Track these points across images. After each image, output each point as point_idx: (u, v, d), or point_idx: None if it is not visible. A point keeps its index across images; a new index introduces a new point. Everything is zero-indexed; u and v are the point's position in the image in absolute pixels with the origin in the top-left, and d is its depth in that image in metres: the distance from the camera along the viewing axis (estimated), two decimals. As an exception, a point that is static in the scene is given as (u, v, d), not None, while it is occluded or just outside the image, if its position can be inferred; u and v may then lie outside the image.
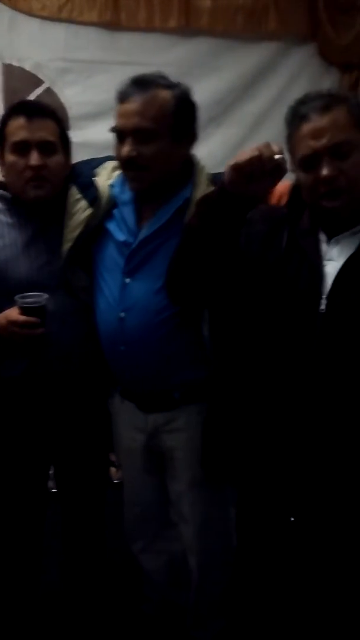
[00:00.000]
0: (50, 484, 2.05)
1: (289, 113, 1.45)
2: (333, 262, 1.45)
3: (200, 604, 1.99)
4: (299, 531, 1.52)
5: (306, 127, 1.39)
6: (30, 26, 3.31)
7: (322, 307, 1.43)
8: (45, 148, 1.75)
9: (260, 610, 1.67)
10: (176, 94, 1.68)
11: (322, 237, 1.48)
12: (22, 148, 1.74)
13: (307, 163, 1.40)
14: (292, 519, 1.50)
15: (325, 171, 1.37)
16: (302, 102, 1.43)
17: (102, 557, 2.09)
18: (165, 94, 1.66)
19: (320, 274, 1.45)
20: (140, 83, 1.66)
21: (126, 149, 1.65)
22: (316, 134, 1.37)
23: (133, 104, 1.64)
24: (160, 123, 1.64)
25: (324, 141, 1.36)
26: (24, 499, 1.92)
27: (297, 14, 3.63)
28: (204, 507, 1.87)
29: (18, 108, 1.79)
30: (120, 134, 1.68)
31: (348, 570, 1.50)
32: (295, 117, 1.42)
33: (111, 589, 2.20)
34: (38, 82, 3.40)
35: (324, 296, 1.43)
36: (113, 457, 2.14)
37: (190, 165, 1.78)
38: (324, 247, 1.47)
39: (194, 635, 2.04)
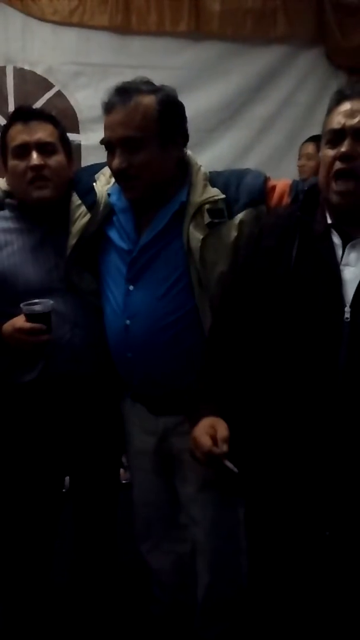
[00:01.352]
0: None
1: (337, 91, 1.45)
2: (351, 268, 1.40)
3: (209, 605, 1.99)
4: (328, 545, 1.46)
5: (343, 106, 1.39)
6: (43, 31, 3.35)
7: (347, 315, 1.38)
8: (45, 149, 1.76)
9: (272, 618, 1.62)
10: (160, 98, 1.64)
11: (337, 241, 1.44)
12: (22, 151, 1.75)
13: (333, 138, 1.40)
14: (327, 533, 1.43)
15: (344, 147, 1.36)
16: (353, 84, 1.44)
17: (112, 558, 2.10)
18: (148, 100, 1.63)
19: (339, 280, 1.40)
20: (123, 92, 1.64)
21: (116, 162, 1.64)
22: (349, 113, 1.37)
23: (117, 115, 1.62)
24: (146, 130, 1.62)
25: (354, 121, 1.36)
26: (37, 502, 1.92)
27: (305, 17, 3.66)
28: (214, 510, 1.86)
29: (15, 116, 1.81)
30: (109, 145, 1.66)
31: None
32: (339, 94, 1.42)
33: (119, 590, 2.20)
34: (49, 85, 3.44)
35: (347, 304, 1.38)
36: (122, 459, 2.15)
37: (185, 166, 1.75)
38: (339, 252, 1.43)
39: (201, 636, 2.05)
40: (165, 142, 1.65)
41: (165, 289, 1.70)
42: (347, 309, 1.38)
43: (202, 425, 1.50)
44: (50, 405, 1.83)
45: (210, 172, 1.75)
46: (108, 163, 1.70)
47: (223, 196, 1.68)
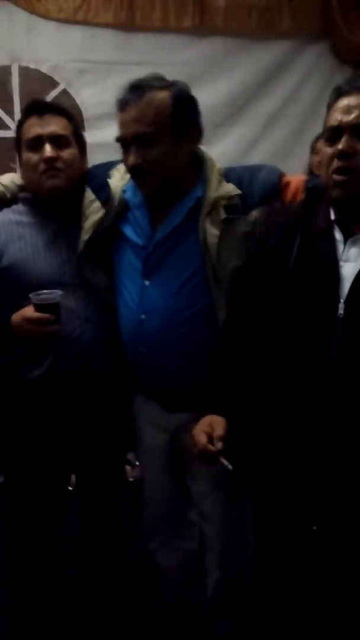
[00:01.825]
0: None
1: (335, 87, 1.45)
2: (350, 264, 1.41)
3: (218, 601, 1.99)
4: (317, 539, 1.48)
5: (340, 102, 1.39)
6: (47, 29, 3.35)
7: (341, 311, 1.38)
8: (58, 141, 1.77)
9: (276, 613, 1.64)
10: (173, 93, 1.65)
11: (339, 236, 1.44)
12: (35, 144, 1.77)
13: (331, 136, 1.40)
14: (315, 527, 1.46)
15: (341, 145, 1.36)
16: (350, 80, 1.43)
17: (118, 555, 2.10)
18: (161, 96, 1.63)
19: (337, 276, 1.41)
20: (136, 89, 1.64)
21: (131, 159, 1.65)
22: (345, 110, 1.37)
23: (130, 112, 1.63)
24: (160, 126, 1.62)
25: (350, 117, 1.36)
26: (42, 497, 1.93)
27: (311, 12, 3.64)
28: (225, 507, 1.86)
29: (29, 109, 1.83)
30: (124, 142, 1.67)
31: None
32: (336, 91, 1.42)
33: (126, 586, 2.20)
34: (54, 84, 3.44)
35: (342, 300, 1.39)
36: (128, 456, 2.15)
37: (199, 161, 1.75)
38: (340, 247, 1.43)
39: (208, 632, 2.05)
40: (179, 137, 1.66)
41: (181, 284, 1.71)
42: (342, 304, 1.38)
43: (201, 424, 1.56)
44: (58, 401, 1.83)
45: (225, 168, 1.75)
46: (123, 160, 1.71)
47: (239, 192, 1.68)
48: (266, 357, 1.52)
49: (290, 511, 1.52)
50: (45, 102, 1.95)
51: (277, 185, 1.69)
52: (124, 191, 1.80)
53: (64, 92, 3.45)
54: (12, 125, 3.42)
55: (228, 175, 1.73)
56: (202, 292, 1.71)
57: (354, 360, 1.36)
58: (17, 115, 3.42)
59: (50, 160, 1.76)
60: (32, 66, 3.40)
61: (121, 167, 1.83)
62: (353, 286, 1.38)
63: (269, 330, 1.51)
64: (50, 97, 3.42)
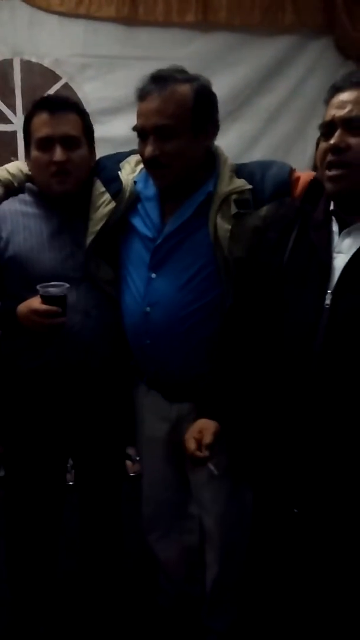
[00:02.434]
0: (68, 476, 2.08)
1: (332, 84, 1.47)
2: (342, 255, 1.43)
3: (217, 594, 2.01)
4: (302, 523, 1.52)
5: (335, 98, 1.42)
6: (49, 23, 3.33)
7: (327, 301, 1.40)
8: (69, 142, 1.76)
9: (269, 600, 1.68)
10: (195, 87, 1.66)
11: (335, 228, 1.46)
12: (45, 144, 1.76)
13: (326, 131, 1.42)
14: (296, 510, 1.51)
15: (333, 140, 1.39)
16: (345, 77, 1.45)
17: (118, 549, 2.12)
18: (183, 89, 1.64)
19: (328, 267, 1.43)
20: (159, 80, 1.65)
21: (149, 149, 1.65)
22: (339, 105, 1.39)
23: (152, 102, 1.63)
24: (180, 119, 1.63)
25: (342, 112, 1.38)
26: (42, 490, 1.95)
27: (314, 7, 3.61)
28: (224, 498, 1.89)
29: (41, 104, 1.81)
30: (142, 132, 1.67)
31: (347, 562, 1.50)
32: (332, 87, 1.44)
33: (126, 581, 2.22)
34: (56, 78, 3.42)
35: (329, 290, 1.41)
36: (129, 451, 2.16)
37: (212, 157, 1.77)
38: (335, 239, 1.45)
39: (208, 626, 2.06)
40: (198, 132, 1.67)
41: (188, 277, 1.72)
42: (329, 295, 1.40)
43: (193, 429, 1.64)
44: (57, 393, 1.85)
45: (236, 164, 1.77)
46: (139, 150, 1.72)
47: (250, 186, 1.69)
48: (260, 347, 1.55)
49: (275, 494, 1.56)
50: (57, 97, 1.94)
51: (287, 181, 1.70)
52: (135, 182, 1.81)
53: (66, 87, 3.43)
54: (14, 119, 3.41)
55: (239, 170, 1.74)
56: (209, 286, 1.72)
57: (337, 350, 1.38)
58: (19, 109, 3.41)
59: (60, 164, 1.75)
60: (34, 60, 3.37)
61: (132, 160, 1.84)
62: (341, 277, 1.40)
63: (264, 321, 1.54)
64: (52, 91, 3.40)
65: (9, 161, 2.04)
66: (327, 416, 1.42)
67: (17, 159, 3.40)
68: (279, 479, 1.54)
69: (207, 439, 1.59)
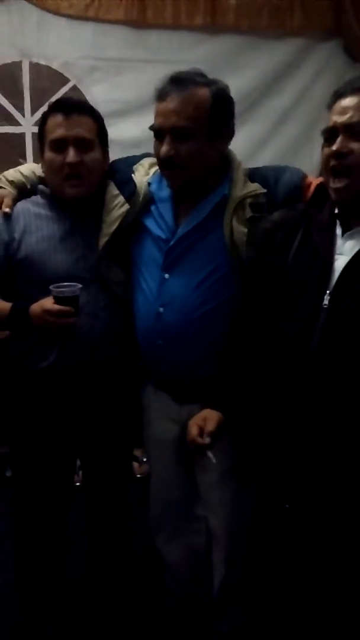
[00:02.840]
0: (75, 478, 2.09)
1: (334, 91, 1.49)
2: (344, 257, 1.45)
3: (224, 596, 2.01)
4: (293, 518, 1.54)
5: (337, 104, 1.44)
6: (58, 25, 3.34)
7: (325, 302, 1.42)
8: (82, 145, 1.77)
9: (272, 600, 1.69)
10: (213, 91, 1.67)
11: (339, 231, 1.49)
12: (59, 145, 1.77)
13: (328, 137, 1.44)
14: (287, 505, 1.53)
15: (335, 145, 1.41)
16: (347, 83, 1.46)
17: (125, 550, 2.12)
18: (202, 92, 1.66)
19: (329, 269, 1.45)
20: (178, 81, 1.66)
21: (165, 149, 1.67)
22: (341, 111, 1.41)
23: (171, 103, 1.65)
24: (198, 122, 1.65)
25: (343, 118, 1.40)
26: (49, 491, 1.95)
27: (322, 10, 3.61)
28: (232, 498, 1.89)
29: (56, 106, 1.81)
30: (159, 132, 1.69)
31: (339, 556, 1.51)
32: (335, 94, 1.46)
33: (133, 582, 2.23)
34: (64, 80, 3.43)
35: (328, 291, 1.43)
36: (135, 452, 2.16)
37: (227, 161, 1.78)
38: (338, 241, 1.48)
39: (214, 627, 2.06)
40: (214, 136, 1.69)
41: (201, 278, 1.73)
42: (327, 295, 1.42)
43: (196, 417, 1.66)
44: (65, 393, 1.86)
45: (249, 168, 1.78)
46: (155, 149, 1.73)
47: (264, 190, 1.70)
48: (263, 347, 1.58)
49: (271, 490, 1.59)
50: (73, 100, 1.94)
51: (299, 186, 1.71)
52: (149, 184, 1.82)
53: (75, 89, 3.44)
54: (23, 121, 3.43)
55: (252, 175, 1.76)
56: (222, 287, 1.73)
57: (332, 349, 1.40)
58: (28, 111, 3.42)
59: (73, 166, 1.76)
60: (42, 62, 3.39)
61: (145, 162, 1.86)
62: (340, 278, 1.42)
63: (267, 320, 1.56)
64: (60, 93, 3.41)
65: (18, 163, 2.05)
66: (321, 414, 1.44)
67: (25, 160, 3.41)
68: (274, 475, 1.57)
69: (210, 426, 1.61)
